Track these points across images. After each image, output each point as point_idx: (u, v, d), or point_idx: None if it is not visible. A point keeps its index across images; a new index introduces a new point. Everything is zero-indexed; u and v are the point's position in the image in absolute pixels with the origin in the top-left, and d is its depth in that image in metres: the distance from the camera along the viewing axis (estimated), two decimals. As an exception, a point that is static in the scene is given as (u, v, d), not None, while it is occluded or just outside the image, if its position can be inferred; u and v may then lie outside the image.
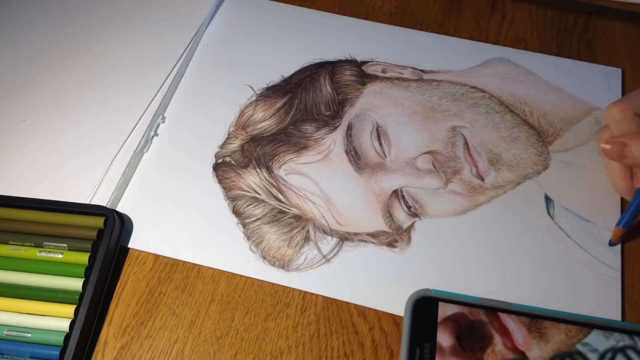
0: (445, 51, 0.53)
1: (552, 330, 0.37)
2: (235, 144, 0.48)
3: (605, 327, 0.37)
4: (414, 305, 0.38)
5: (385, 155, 0.46)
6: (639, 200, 0.40)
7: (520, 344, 0.36)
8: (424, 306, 0.38)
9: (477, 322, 0.37)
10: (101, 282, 0.40)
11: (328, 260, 0.42)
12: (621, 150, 0.39)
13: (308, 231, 0.44)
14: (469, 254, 0.42)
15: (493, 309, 0.38)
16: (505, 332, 0.37)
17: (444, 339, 0.37)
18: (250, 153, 0.47)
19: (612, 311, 0.40)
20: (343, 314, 0.40)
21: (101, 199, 0.45)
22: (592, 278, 0.41)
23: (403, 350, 0.36)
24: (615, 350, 0.36)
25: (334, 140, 0.48)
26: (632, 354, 0.36)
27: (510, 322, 0.37)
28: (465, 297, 0.38)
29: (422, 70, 0.52)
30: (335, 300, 0.41)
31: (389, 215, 0.44)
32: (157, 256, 0.43)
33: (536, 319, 0.37)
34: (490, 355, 0.36)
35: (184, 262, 0.43)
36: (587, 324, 0.37)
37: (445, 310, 0.38)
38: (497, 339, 0.37)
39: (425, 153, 0.46)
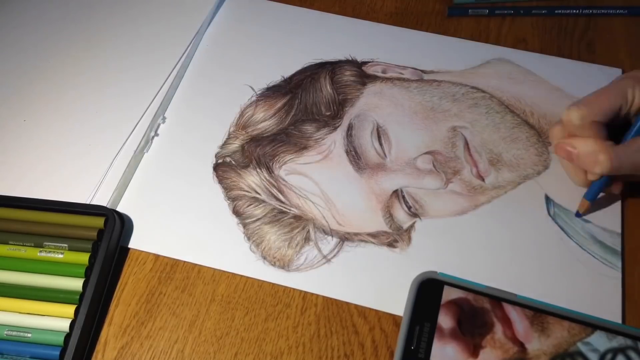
0: (445, 51, 0.53)
1: (554, 326, 0.37)
2: (235, 144, 0.48)
3: (611, 329, 0.37)
4: (419, 286, 0.38)
5: (385, 156, 0.46)
6: (600, 182, 0.42)
7: (521, 334, 0.37)
8: (429, 288, 0.38)
9: (480, 309, 0.38)
10: (101, 282, 0.40)
11: (328, 261, 0.42)
12: (569, 155, 0.41)
13: (308, 231, 0.43)
14: (469, 254, 0.42)
15: (498, 299, 0.38)
16: (506, 322, 0.37)
17: (445, 320, 0.37)
18: (250, 153, 0.47)
19: (612, 311, 0.40)
20: (343, 314, 0.40)
21: (101, 199, 0.45)
22: (592, 278, 0.41)
23: (403, 327, 0.37)
24: (615, 351, 0.36)
25: (334, 141, 0.48)
26: (633, 355, 0.36)
27: (513, 312, 0.37)
28: (471, 284, 0.39)
29: (422, 71, 0.52)
30: (336, 300, 0.41)
31: (389, 215, 0.44)
32: (157, 256, 0.43)
33: (540, 314, 0.37)
34: (489, 342, 0.36)
35: (184, 262, 0.43)
36: (591, 325, 0.37)
37: (449, 294, 0.38)
38: (498, 328, 0.37)
39: (426, 153, 0.46)
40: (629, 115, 0.41)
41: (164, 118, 0.50)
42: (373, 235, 0.43)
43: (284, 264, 0.42)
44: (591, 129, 0.40)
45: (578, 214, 0.43)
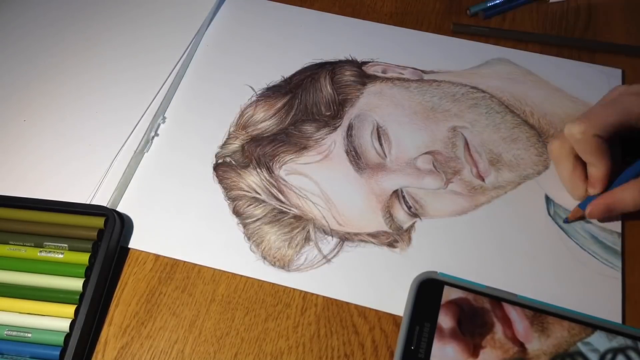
0: (445, 51, 0.53)
1: (554, 326, 0.37)
2: (235, 144, 0.48)
3: (611, 329, 0.37)
4: (419, 286, 0.38)
5: (385, 156, 0.46)
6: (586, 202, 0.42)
7: (521, 334, 0.37)
8: (429, 288, 0.38)
9: (480, 309, 0.38)
10: (101, 282, 0.40)
11: (328, 261, 0.42)
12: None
13: (308, 231, 0.43)
14: (469, 254, 0.42)
15: (498, 299, 0.38)
16: (507, 322, 0.37)
17: (445, 320, 0.37)
18: (250, 153, 0.47)
19: (612, 311, 0.40)
20: (343, 314, 0.40)
21: (101, 199, 0.45)
22: (592, 278, 0.41)
23: (403, 327, 0.37)
24: (615, 351, 0.36)
25: (334, 141, 0.48)
26: (633, 355, 0.36)
27: (513, 312, 0.37)
28: (471, 284, 0.39)
29: (422, 71, 0.52)
30: (336, 300, 0.41)
31: (389, 215, 0.44)
32: (157, 256, 0.43)
33: (540, 314, 0.37)
34: (489, 342, 0.36)
35: (184, 262, 0.43)
36: (591, 325, 0.37)
37: (449, 294, 0.38)
38: (498, 328, 0.37)
39: (426, 153, 0.46)
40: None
41: (164, 118, 0.50)
42: (373, 235, 0.43)
43: (284, 264, 0.42)
44: (592, 142, 0.40)
45: (566, 220, 0.43)
